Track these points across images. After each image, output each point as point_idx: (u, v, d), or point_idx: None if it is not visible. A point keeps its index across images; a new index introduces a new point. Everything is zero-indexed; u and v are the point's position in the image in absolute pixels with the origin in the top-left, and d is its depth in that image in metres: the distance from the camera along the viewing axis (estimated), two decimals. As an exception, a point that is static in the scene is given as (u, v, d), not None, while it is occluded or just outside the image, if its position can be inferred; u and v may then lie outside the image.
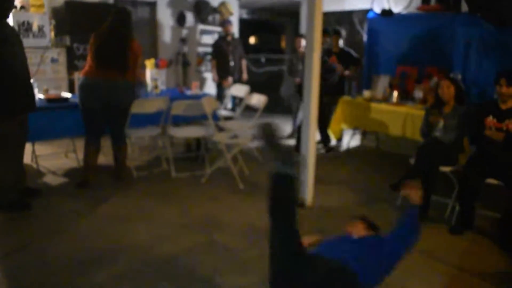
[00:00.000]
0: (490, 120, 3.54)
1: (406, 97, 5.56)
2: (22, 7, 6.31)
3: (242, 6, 9.08)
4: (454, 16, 5.79)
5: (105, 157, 4.91)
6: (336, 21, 7.87)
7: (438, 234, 3.45)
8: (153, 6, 7.83)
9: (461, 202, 3.55)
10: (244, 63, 7.11)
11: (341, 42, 6.31)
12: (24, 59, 3.67)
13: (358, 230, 2.40)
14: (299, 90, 6.44)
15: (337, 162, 5.54)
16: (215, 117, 4.95)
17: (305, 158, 3.88)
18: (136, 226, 3.48)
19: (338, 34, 6.18)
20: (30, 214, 3.68)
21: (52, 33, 6.58)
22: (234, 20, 8.46)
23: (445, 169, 3.71)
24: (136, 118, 4.45)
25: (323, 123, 5.86)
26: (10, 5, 3.60)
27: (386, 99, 5.51)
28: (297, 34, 6.93)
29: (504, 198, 3.43)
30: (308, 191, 3.91)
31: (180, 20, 7.99)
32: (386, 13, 6.54)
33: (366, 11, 7.07)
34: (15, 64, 3.53)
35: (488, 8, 4.86)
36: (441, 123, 3.88)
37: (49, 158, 5.19)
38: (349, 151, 5.94)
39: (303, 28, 8.70)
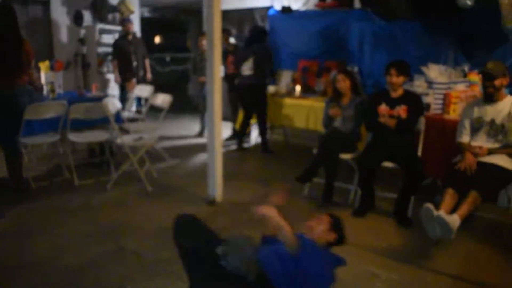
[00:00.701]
0: (383, 108, 3.79)
1: (308, 90, 5.78)
2: None
3: (143, 4, 8.83)
4: (348, 12, 6.13)
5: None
6: (239, 19, 7.96)
7: (343, 217, 3.61)
8: (46, 4, 7.29)
9: (361, 186, 3.77)
10: (147, 62, 6.93)
11: (232, 40, 6.43)
12: None
13: (320, 227, 2.24)
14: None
15: (245, 157, 5.62)
16: (119, 120, 4.75)
17: (212, 154, 3.88)
18: (37, 240, 3.23)
19: (227, 33, 6.28)
20: None
21: None
22: (135, 19, 8.19)
23: (346, 156, 3.92)
24: (31, 125, 4.14)
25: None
26: None
27: (290, 93, 5.69)
28: (201, 33, 6.90)
29: (399, 179, 3.71)
30: (217, 187, 3.92)
31: (77, 19, 7.56)
32: (286, 10, 6.76)
33: (267, 8, 7.24)
34: None
35: (378, 2, 5.18)
36: (339, 114, 4.09)
37: None
38: (257, 145, 6.04)
39: (206, 26, 8.69)
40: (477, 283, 2.72)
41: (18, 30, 3.96)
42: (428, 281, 2.73)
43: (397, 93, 3.79)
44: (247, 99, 5.64)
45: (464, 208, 2.88)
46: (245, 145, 6.04)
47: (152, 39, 10.46)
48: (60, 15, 7.46)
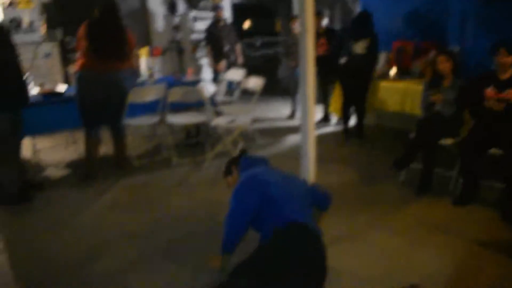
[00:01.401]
0: (490, 91, 3.50)
1: (403, 72, 5.51)
2: (10, 4, 6.24)
3: (233, -10, 8.99)
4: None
5: (104, 148, 4.89)
6: (329, 1, 7.80)
7: (442, 207, 3.44)
8: (143, -5, 7.77)
9: (463, 174, 3.54)
10: (238, 47, 7.05)
11: (324, 22, 6.26)
12: (14, 55, 3.63)
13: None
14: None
15: (339, 141, 5.52)
16: (213, 103, 4.92)
17: (305, 137, 3.85)
18: (139, 214, 3.48)
19: (319, 15, 6.12)
20: (32, 207, 3.69)
21: (43, 28, 6.53)
22: (226, 5, 8.38)
23: (447, 141, 3.70)
24: (134, 107, 4.42)
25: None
26: None
27: (385, 75, 5.47)
28: (292, 16, 6.86)
29: (505, 168, 3.42)
30: (310, 170, 3.89)
31: (172, 8, 7.92)
32: (379, -10, 6.46)
33: (359, -11, 6.99)
34: (4, 61, 3.50)
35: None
36: (440, 96, 3.86)
37: (50, 151, 5.19)
38: (349, 129, 5.91)
39: (296, 10, 8.62)
40: None
41: (121, 19, 4.23)
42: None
43: (506, 75, 3.47)
44: (355, 80, 5.35)
45: None
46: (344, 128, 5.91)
47: (242, 25, 10.62)
48: (155, 5, 7.87)
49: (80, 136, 4.99)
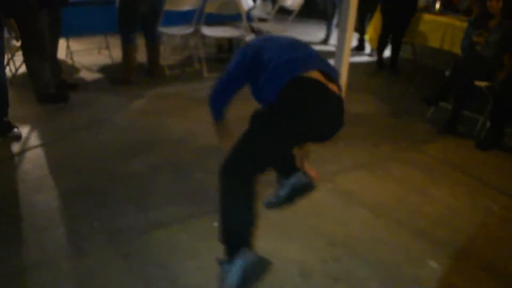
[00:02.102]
0: (538, 35, 3.37)
1: (449, 7, 5.26)
2: None
3: None
4: None
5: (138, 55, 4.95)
6: None
7: (465, 149, 3.48)
8: None
9: (492, 119, 3.52)
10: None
11: None
12: None
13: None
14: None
15: (370, 71, 5.44)
16: (249, 18, 4.84)
17: (339, 63, 3.83)
18: (171, 121, 3.62)
19: None
20: (68, 107, 3.85)
21: None
22: None
23: (481, 84, 3.63)
24: (169, 16, 4.40)
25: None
26: None
27: (429, 8, 5.23)
28: None
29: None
30: (340, 97, 3.92)
31: None
32: None
33: None
34: None
35: None
36: (483, 37, 3.72)
37: (83, 54, 5.28)
38: (384, 60, 5.80)
39: None
40: None
41: None
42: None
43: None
44: (398, 12, 5.11)
45: None
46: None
47: None
48: None
49: (113, 41, 5.05)
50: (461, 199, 2.76)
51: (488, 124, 3.58)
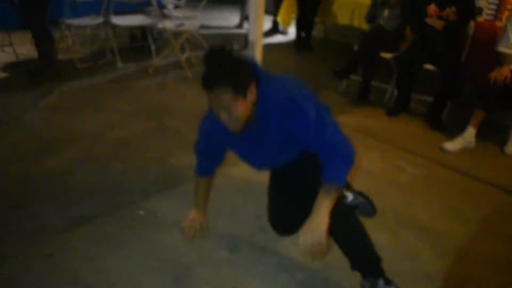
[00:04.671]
0: (432, 8, 3.62)
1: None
2: None
3: None
4: None
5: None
6: None
7: (377, 116, 3.71)
8: None
9: (399, 87, 3.78)
10: None
11: None
12: None
13: None
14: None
15: (285, 51, 5.58)
16: (160, 5, 4.74)
17: (252, 46, 3.89)
18: (85, 115, 3.48)
19: None
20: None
21: None
22: None
23: (387, 55, 3.87)
24: (76, 7, 4.21)
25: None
26: None
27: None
28: None
29: (437, 83, 3.69)
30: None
31: None
32: None
33: None
34: None
35: None
36: (386, 11, 3.95)
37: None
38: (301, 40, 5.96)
39: None
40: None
41: None
42: (450, 179, 2.85)
43: (448, -6, 3.60)
44: None
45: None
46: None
47: None
48: None
49: (16, 37, 4.74)
50: (375, 161, 2.95)
51: (395, 93, 3.84)
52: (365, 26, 4.43)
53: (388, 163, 2.96)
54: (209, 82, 1.53)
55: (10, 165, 2.76)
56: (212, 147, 1.98)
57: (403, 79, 3.70)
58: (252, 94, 1.59)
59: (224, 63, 1.53)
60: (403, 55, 3.74)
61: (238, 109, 1.54)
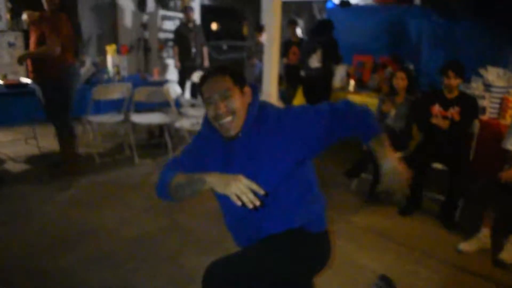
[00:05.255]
0: (437, 108, 3.79)
1: (362, 85, 5.81)
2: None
3: (203, -8, 9.08)
4: (407, 8, 6.09)
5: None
6: (296, 11, 8.04)
7: (389, 216, 3.70)
8: (113, -10, 7.74)
9: (409, 186, 3.80)
10: (205, 50, 7.13)
11: (298, 32, 6.42)
12: None
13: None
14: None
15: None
16: (177, 104, 5.01)
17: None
18: (101, 211, 3.55)
19: (294, 24, 6.25)
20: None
21: (8, 16, 6.41)
22: (196, 6, 8.46)
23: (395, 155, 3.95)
24: (98, 104, 4.46)
25: None
26: None
27: (343, 87, 5.74)
28: (258, 28, 6.95)
29: (447, 182, 3.72)
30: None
31: (141, 5, 7.92)
32: (344, 4, 6.77)
33: (325, 1, 7.28)
34: None
35: (438, 0, 5.13)
36: (392, 112, 4.12)
37: (9, 145, 5.13)
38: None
39: (264, 15, 8.82)
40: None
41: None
42: (468, 283, 2.77)
43: (452, 94, 3.77)
44: (313, 92, 5.52)
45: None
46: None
47: (209, 26, 10.73)
48: (125, 0, 7.84)
49: (41, 130, 5.00)
50: (389, 265, 2.91)
51: (407, 191, 3.86)
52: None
53: (403, 267, 2.90)
54: (210, 72, 1.70)
55: (26, 259, 2.78)
56: (190, 164, 1.80)
57: (414, 178, 3.74)
58: (247, 94, 1.71)
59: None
60: (411, 154, 3.83)
61: (235, 97, 1.65)
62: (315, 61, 5.38)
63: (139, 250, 2.97)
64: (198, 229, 3.27)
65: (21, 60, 4.04)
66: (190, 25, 6.94)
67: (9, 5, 6.43)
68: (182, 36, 6.88)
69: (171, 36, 7.56)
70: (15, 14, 6.42)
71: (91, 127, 4.91)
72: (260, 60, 6.55)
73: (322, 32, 5.41)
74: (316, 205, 1.86)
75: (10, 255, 2.85)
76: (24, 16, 4.03)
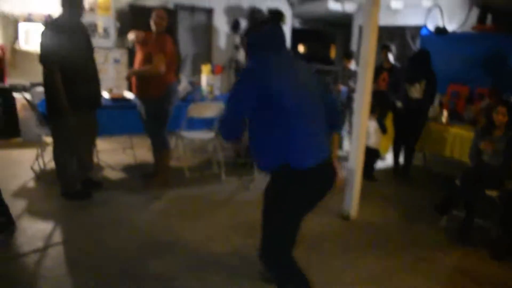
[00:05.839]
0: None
1: (456, 117, 5.54)
2: (91, 9, 6.75)
3: (295, 15, 9.26)
4: (508, 37, 5.76)
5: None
6: (388, 36, 7.91)
7: (480, 258, 3.48)
8: (210, 12, 8.15)
9: (504, 227, 3.57)
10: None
11: (391, 57, 6.28)
12: (91, 57, 4.01)
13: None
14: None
15: (383, 178, 5.58)
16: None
17: (352, 172, 3.99)
18: (188, 223, 3.73)
19: (388, 49, 6.12)
20: (90, 204, 4.01)
21: (116, 35, 7.00)
22: (287, 29, 8.65)
23: (491, 193, 3.74)
24: (191, 121, 4.72)
25: None
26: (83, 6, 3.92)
27: (436, 118, 5.51)
28: (347, 55, 6.89)
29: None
30: (353, 205, 4.03)
31: (235, 27, 8.25)
32: (440, 31, 6.56)
33: (419, 28, 7.10)
34: (81, 60, 3.85)
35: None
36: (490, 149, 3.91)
37: (108, 153, 5.56)
38: (398, 167, 5.97)
39: (354, 41, 8.78)
40: None
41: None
42: None
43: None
44: (410, 123, 5.33)
45: None
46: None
47: (297, 48, 10.88)
48: (220, 22, 8.23)
49: (136, 141, 5.37)
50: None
51: (500, 232, 3.62)
52: (466, 158, 4.36)
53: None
54: None
55: (118, 264, 3.00)
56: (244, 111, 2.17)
57: (509, 219, 3.51)
58: None
59: None
60: (509, 194, 3.59)
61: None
62: (416, 92, 5.23)
63: (226, 265, 3.08)
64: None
65: (129, 77, 4.41)
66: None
67: (118, 24, 7.04)
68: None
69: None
70: (121, 33, 7.00)
71: (182, 142, 5.17)
72: (346, 85, 6.52)
73: (424, 63, 5.24)
74: None
75: (106, 258, 3.09)
76: (131, 36, 4.39)
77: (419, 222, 4.11)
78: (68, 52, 3.70)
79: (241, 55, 8.28)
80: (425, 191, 5.06)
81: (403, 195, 4.96)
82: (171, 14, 4.83)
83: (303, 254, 3.26)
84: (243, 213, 4.01)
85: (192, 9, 7.97)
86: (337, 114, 2.48)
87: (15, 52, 6.33)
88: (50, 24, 3.83)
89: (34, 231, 3.40)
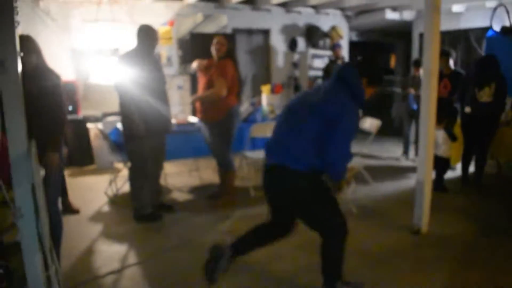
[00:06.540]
0: None
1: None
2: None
3: (352, 28, 9.20)
4: None
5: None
6: (451, 41, 7.63)
7: None
8: (267, 33, 8.31)
9: None
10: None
11: (451, 63, 6.03)
12: (164, 86, 4.24)
13: None
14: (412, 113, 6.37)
15: (454, 188, 5.33)
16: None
17: (421, 183, 3.85)
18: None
19: (447, 55, 5.90)
20: (161, 226, 4.19)
21: (179, 62, 7.33)
22: (344, 43, 8.60)
23: None
24: (255, 141, 4.81)
25: None
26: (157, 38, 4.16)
27: (509, 122, 5.21)
28: (415, 63, 6.74)
29: None
30: (423, 218, 3.88)
31: (292, 45, 8.35)
32: (508, 31, 6.23)
33: (483, 29, 6.79)
34: (155, 89, 4.09)
35: None
36: None
37: (175, 176, 5.78)
38: (468, 176, 5.68)
39: (414, 49, 8.55)
40: None
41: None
42: None
43: None
44: (480, 128, 5.14)
45: None
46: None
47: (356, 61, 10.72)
48: (278, 42, 8.36)
49: (201, 163, 5.53)
50: None
51: None
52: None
53: None
54: None
55: (190, 284, 3.11)
56: None
57: None
58: None
59: None
60: None
61: None
62: (486, 96, 5.00)
63: (291, 285, 3.09)
64: (349, 268, 3.24)
65: (193, 102, 4.60)
66: (339, 61, 7.08)
67: (180, 52, 7.36)
68: (330, 73, 6.99)
69: (320, 73, 7.78)
70: (183, 61, 7.32)
71: (246, 162, 5.26)
72: (417, 93, 6.36)
73: (492, 66, 5.05)
74: None
75: (180, 279, 3.20)
76: (194, 64, 4.59)
77: (496, 234, 3.87)
78: (143, 81, 3.96)
79: (299, 72, 8.34)
80: (501, 200, 4.77)
81: (477, 205, 4.71)
82: (230, 39, 4.98)
83: (370, 270, 3.23)
84: (309, 231, 3.98)
85: (249, 32, 8.17)
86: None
87: (87, 85, 6.82)
88: (126, 55, 4.11)
89: (111, 253, 3.60)
